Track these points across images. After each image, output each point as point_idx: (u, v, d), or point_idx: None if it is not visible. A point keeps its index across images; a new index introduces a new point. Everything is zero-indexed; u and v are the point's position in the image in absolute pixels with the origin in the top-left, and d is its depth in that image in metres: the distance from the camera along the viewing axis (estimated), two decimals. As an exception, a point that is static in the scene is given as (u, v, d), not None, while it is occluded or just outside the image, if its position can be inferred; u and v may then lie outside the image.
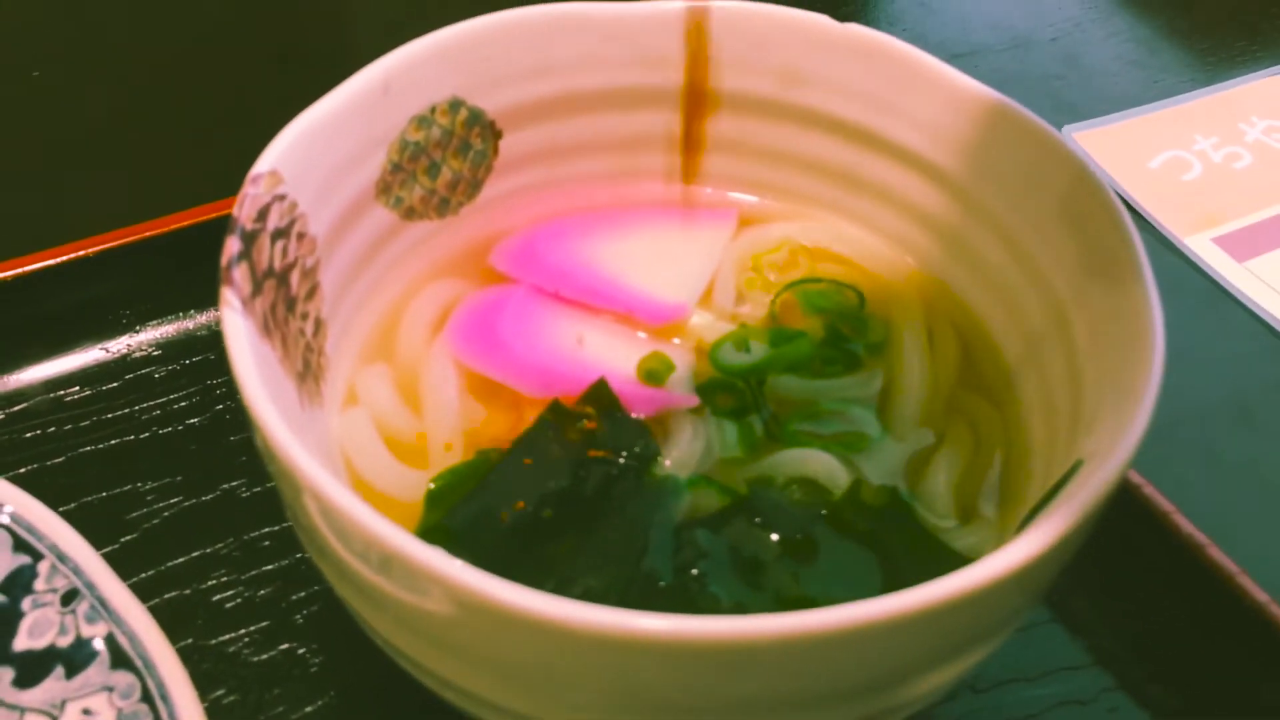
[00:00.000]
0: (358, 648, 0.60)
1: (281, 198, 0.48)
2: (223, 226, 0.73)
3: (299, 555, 0.62)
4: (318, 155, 0.50)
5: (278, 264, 0.48)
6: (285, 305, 0.48)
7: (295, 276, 0.49)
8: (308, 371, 0.49)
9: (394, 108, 0.54)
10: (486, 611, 0.36)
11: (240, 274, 0.44)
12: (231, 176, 0.78)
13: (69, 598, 0.52)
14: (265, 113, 0.87)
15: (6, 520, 0.54)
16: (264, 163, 0.48)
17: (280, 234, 0.48)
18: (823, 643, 0.37)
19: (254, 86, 0.87)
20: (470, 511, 0.47)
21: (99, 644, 0.51)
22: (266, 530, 0.63)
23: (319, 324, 0.51)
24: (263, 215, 0.47)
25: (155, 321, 0.72)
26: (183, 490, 0.64)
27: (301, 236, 0.50)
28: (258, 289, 0.45)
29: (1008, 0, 1.04)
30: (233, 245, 0.45)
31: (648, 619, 0.35)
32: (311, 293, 0.51)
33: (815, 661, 0.38)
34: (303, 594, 0.61)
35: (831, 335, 0.55)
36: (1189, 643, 0.58)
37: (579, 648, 0.37)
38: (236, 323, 0.43)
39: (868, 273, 0.59)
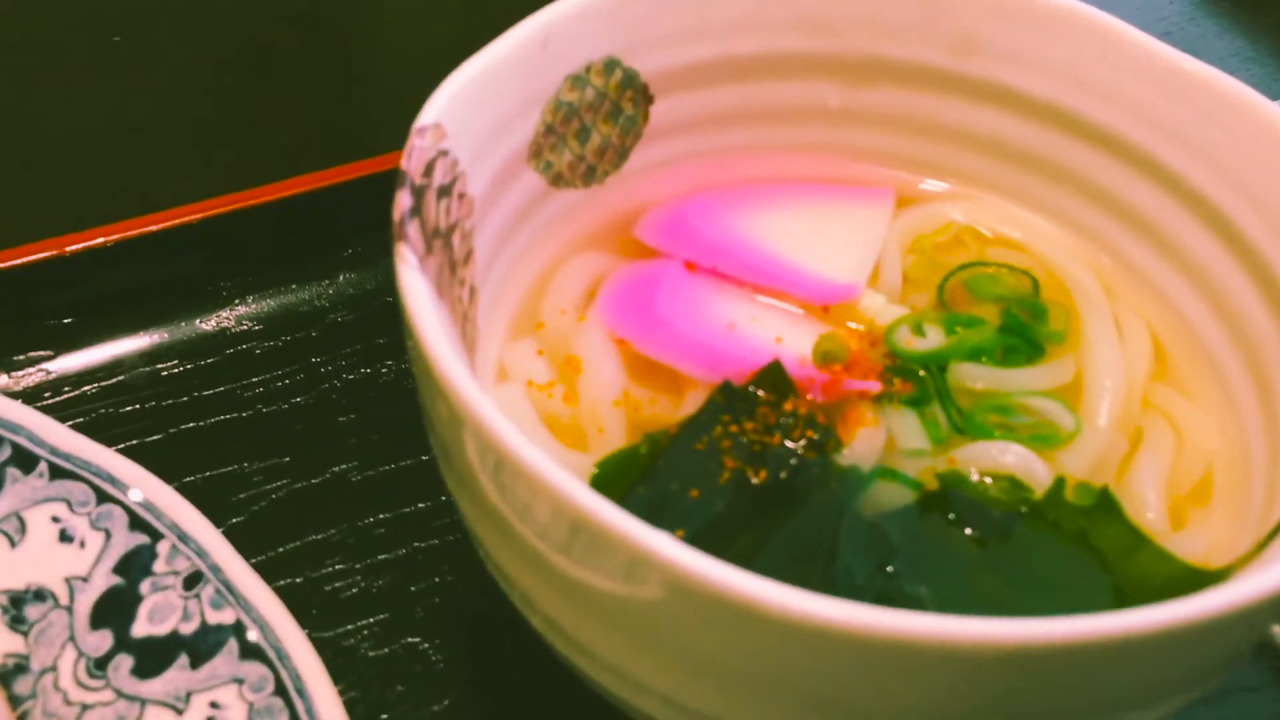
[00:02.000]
0: (485, 642, 0.56)
1: (445, 153, 0.45)
2: (323, 199, 0.72)
3: (417, 544, 0.58)
4: (478, 110, 0.47)
5: (443, 224, 0.44)
6: (449, 268, 0.44)
7: (456, 239, 0.45)
8: (464, 340, 0.46)
9: (551, 64, 0.50)
10: (709, 598, 0.32)
11: (414, 230, 0.41)
12: (331, 147, 0.76)
13: (192, 581, 0.49)
14: (361, 86, 0.84)
15: (125, 497, 0.50)
16: (429, 114, 0.44)
17: (444, 192, 0.44)
18: (1103, 652, 0.33)
19: (352, 58, 0.83)
20: (646, 499, 0.44)
21: (227, 632, 0.47)
22: (381, 517, 0.59)
23: (473, 291, 0.47)
24: (429, 170, 0.43)
25: (255, 295, 0.68)
26: (290, 472, 0.61)
27: (462, 197, 0.46)
28: (429, 248, 0.42)
29: (1117, -5, 1.01)
30: (404, 200, 0.41)
31: (914, 619, 0.31)
32: (468, 258, 0.47)
33: (1049, 677, 0.34)
34: (423, 585, 0.57)
35: (1010, 322, 0.52)
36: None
37: (800, 640, 0.33)
38: (415, 280, 0.39)
39: (1040, 258, 0.55)
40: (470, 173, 0.46)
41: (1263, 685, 0.54)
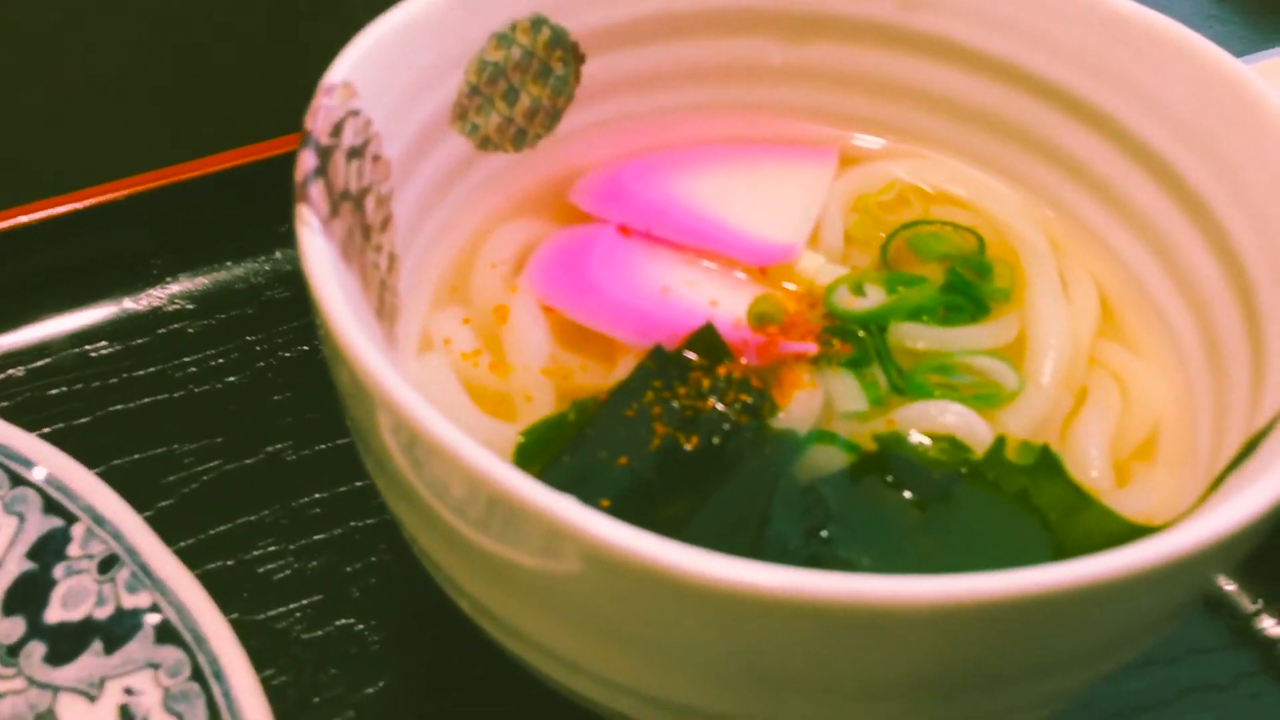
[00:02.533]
0: (422, 624, 0.54)
1: (356, 113, 0.43)
2: (258, 172, 0.70)
3: (353, 523, 0.56)
4: (393, 70, 0.45)
5: (353, 186, 0.42)
6: (362, 233, 0.42)
7: (370, 203, 0.44)
8: (383, 310, 0.44)
9: (473, 22, 0.48)
10: (630, 569, 0.31)
11: (317, 191, 0.39)
12: (269, 121, 0.74)
13: (107, 564, 0.47)
14: (299, 56, 0.82)
15: (38, 480, 0.48)
16: (337, 73, 0.42)
17: (355, 153, 0.43)
18: (999, 611, 0.31)
19: (289, 28, 0.81)
20: (571, 468, 0.42)
21: (142, 616, 0.45)
22: (316, 496, 0.57)
23: (392, 259, 0.46)
24: (337, 130, 0.42)
25: (188, 273, 0.66)
26: (223, 453, 0.59)
27: (377, 159, 0.44)
28: (335, 210, 0.40)
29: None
30: (308, 160, 0.40)
31: (835, 580, 0.30)
32: (385, 223, 0.45)
33: (982, 635, 0.33)
34: (359, 565, 0.55)
35: (953, 280, 0.50)
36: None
37: (724, 607, 0.32)
38: (317, 243, 0.37)
39: (986, 215, 0.53)
40: (386, 134, 0.45)
41: (1219, 646, 0.53)
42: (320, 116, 0.41)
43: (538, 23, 0.51)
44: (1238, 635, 0.53)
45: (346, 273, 0.39)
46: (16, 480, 0.48)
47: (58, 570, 0.47)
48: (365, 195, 0.43)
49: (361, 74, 0.43)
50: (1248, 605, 0.54)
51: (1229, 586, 0.54)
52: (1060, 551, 0.41)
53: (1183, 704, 0.52)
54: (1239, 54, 0.89)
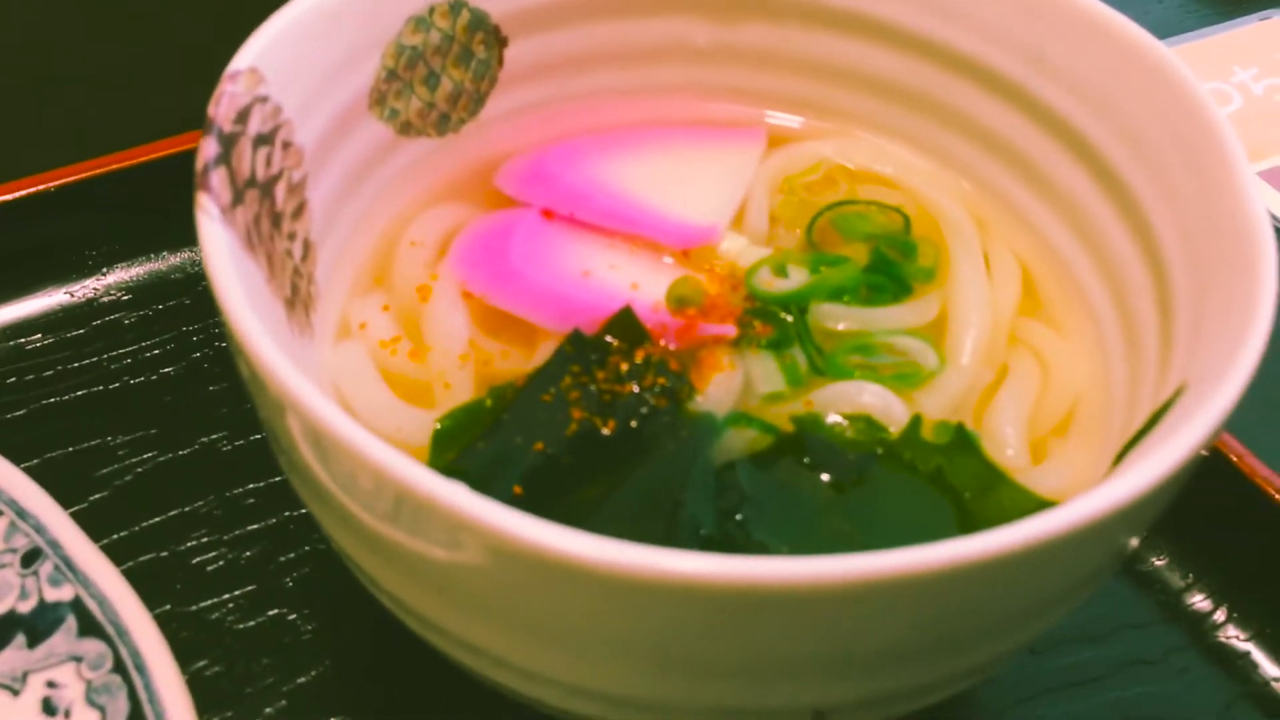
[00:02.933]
0: (354, 613, 0.54)
1: (264, 99, 0.42)
2: (195, 160, 0.70)
3: (287, 513, 0.56)
4: (303, 55, 0.45)
5: (260, 174, 0.42)
6: (270, 220, 0.42)
7: (281, 190, 0.43)
8: (296, 299, 0.44)
9: (388, 6, 0.48)
10: (531, 560, 0.31)
11: (218, 179, 0.39)
12: (202, 111, 0.73)
13: (30, 558, 0.47)
14: (238, 42, 0.82)
15: (-42, 473, 0.48)
16: (243, 59, 0.42)
17: (263, 140, 0.42)
18: (899, 587, 0.32)
19: (229, 16, 0.80)
20: (485, 454, 0.42)
21: (65, 610, 0.45)
22: (251, 487, 0.57)
23: (308, 246, 0.45)
24: (243, 117, 0.41)
25: (124, 264, 0.66)
26: (158, 444, 0.58)
27: (287, 146, 0.44)
28: (238, 198, 0.40)
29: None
30: (209, 148, 0.39)
31: (725, 562, 0.30)
32: (299, 211, 0.45)
33: (887, 611, 0.33)
34: (292, 555, 0.55)
35: (877, 260, 0.50)
36: (1271, 596, 0.53)
37: (628, 595, 0.32)
38: (216, 232, 0.37)
39: (913, 194, 0.53)
40: (298, 121, 0.44)
41: (1149, 621, 0.53)
42: (224, 103, 0.41)
43: (457, 6, 0.50)
44: (1168, 611, 0.54)
45: (249, 261, 0.39)
46: (-63, 476, 0.48)
47: (-21, 565, 0.46)
48: (275, 182, 0.43)
49: (269, 60, 0.43)
50: (1178, 581, 0.54)
51: (1160, 563, 0.55)
52: (972, 528, 0.41)
53: (1115, 678, 0.52)
54: (1191, 28, 0.89)
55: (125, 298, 0.64)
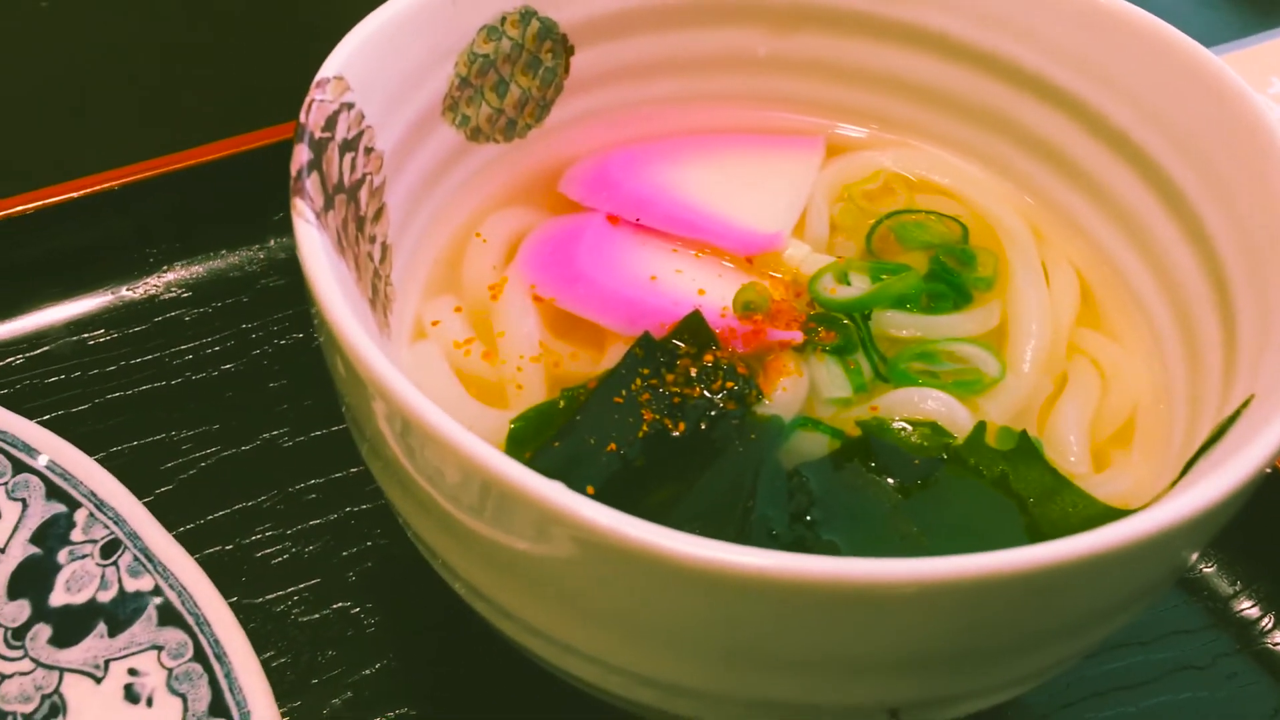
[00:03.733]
0: (418, 608, 0.55)
1: (349, 106, 0.44)
2: (254, 161, 0.71)
3: (349, 509, 0.58)
4: (385, 63, 0.46)
5: (347, 179, 0.43)
6: (355, 224, 0.43)
7: (364, 194, 0.44)
8: (376, 299, 0.45)
9: (463, 16, 0.49)
10: (620, 553, 0.32)
11: (312, 184, 0.40)
12: (264, 111, 0.74)
13: (110, 549, 0.48)
14: (292, 45, 0.83)
15: (41, 466, 0.49)
16: (330, 67, 0.43)
17: (349, 145, 0.43)
18: (986, 590, 0.33)
19: (284, 18, 0.82)
20: (560, 454, 0.43)
21: (145, 599, 0.46)
22: (313, 482, 0.58)
23: (385, 249, 0.47)
24: (331, 124, 0.42)
25: (184, 261, 0.67)
26: (220, 439, 0.60)
27: (369, 151, 0.45)
28: (329, 203, 0.41)
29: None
30: (302, 154, 0.40)
31: (808, 560, 0.31)
32: (379, 214, 0.46)
33: (971, 613, 0.34)
34: (354, 550, 0.56)
35: (937, 269, 0.51)
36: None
37: (712, 591, 0.33)
38: (312, 235, 0.38)
39: (971, 203, 0.54)
40: (378, 127, 0.45)
41: (1198, 627, 0.54)
42: (314, 111, 0.42)
43: (527, 15, 0.51)
44: (1216, 617, 0.54)
45: (341, 264, 0.40)
46: (19, 467, 0.49)
47: (61, 555, 0.48)
48: (359, 187, 0.44)
49: (354, 68, 0.44)
50: (1226, 588, 0.55)
51: (1208, 569, 0.55)
52: (1037, 534, 0.42)
53: (1163, 683, 0.53)
54: (1228, 39, 0.90)
55: (185, 294, 0.66)
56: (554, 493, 0.33)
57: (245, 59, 0.76)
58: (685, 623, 0.35)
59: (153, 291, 0.66)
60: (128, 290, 0.65)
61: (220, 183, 0.68)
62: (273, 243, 0.68)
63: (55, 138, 0.69)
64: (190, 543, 0.55)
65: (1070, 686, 0.52)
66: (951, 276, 0.51)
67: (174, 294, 0.66)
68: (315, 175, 0.40)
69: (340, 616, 0.54)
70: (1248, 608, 0.54)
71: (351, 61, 0.44)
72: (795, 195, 0.53)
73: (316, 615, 0.54)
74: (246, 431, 0.60)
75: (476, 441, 0.33)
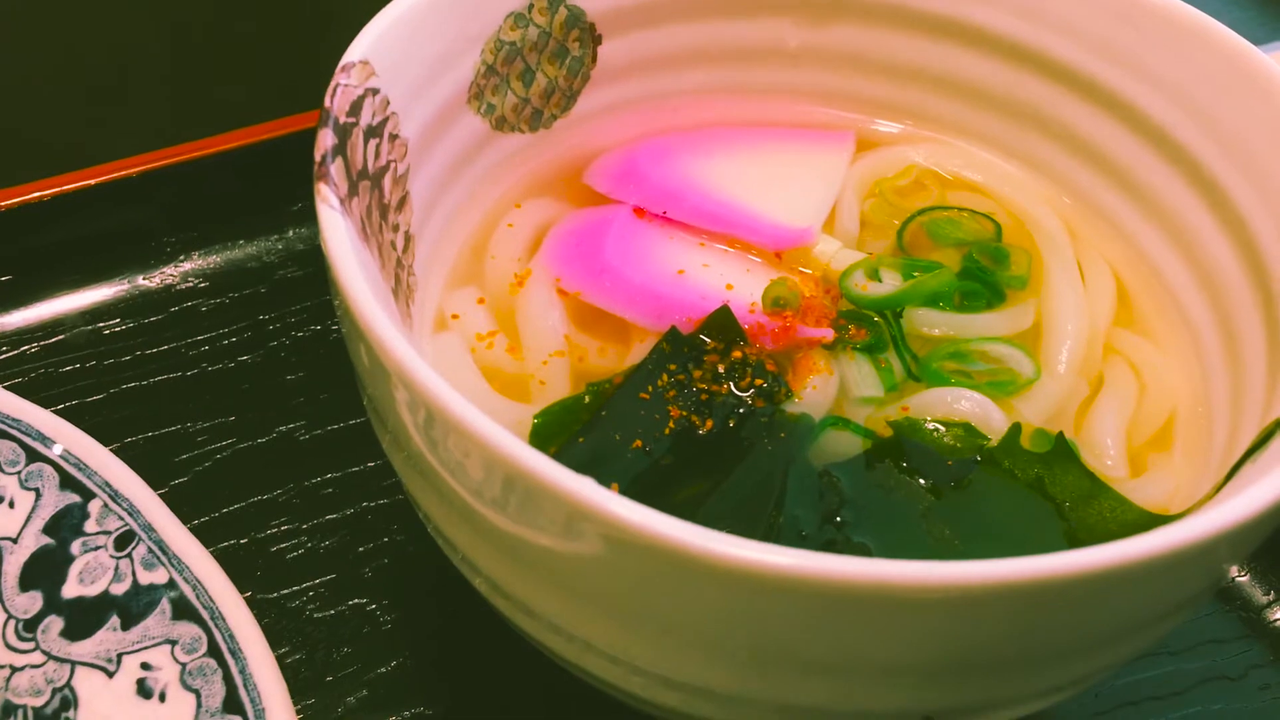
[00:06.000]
0: (434, 605, 0.54)
1: (374, 92, 0.43)
2: (273, 150, 0.70)
3: (366, 504, 0.57)
4: (410, 48, 0.45)
5: (371, 165, 0.42)
6: (379, 212, 0.42)
7: (388, 182, 0.43)
8: (399, 289, 0.44)
9: (490, 2, 0.48)
10: (652, 550, 0.31)
11: (337, 170, 0.39)
12: (279, 98, 0.74)
13: (124, 541, 0.47)
14: (309, 34, 0.82)
15: (55, 455, 0.48)
16: (355, 51, 0.42)
17: (373, 132, 0.42)
18: (1023, 596, 0.32)
19: (300, 11, 0.81)
20: (585, 450, 0.42)
21: (159, 592, 0.46)
22: (330, 476, 0.57)
23: (409, 239, 0.46)
24: (355, 109, 0.41)
25: (201, 251, 0.66)
26: (236, 432, 0.59)
27: (394, 138, 0.44)
28: (354, 189, 0.40)
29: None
30: (327, 139, 0.39)
31: (839, 561, 0.30)
32: (402, 203, 0.45)
33: (1007, 619, 0.33)
34: (371, 545, 0.55)
35: (970, 267, 0.50)
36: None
37: (741, 590, 0.32)
38: (336, 221, 0.37)
39: (1004, 200, 0.53)
40: (403, 113, 0.45)
41: (1232, 637, 0.53)
42: (339, 95, 0.41)
43: (555, 2, 0.50)
44: (1250, 627, 0.53)
45: (365, 251, 0.39)
46: (34, 456, 0.49)
47: (75, 546, 0.47)
48: (383, 174, 0.43)
49: (379, 53, 0.43)
50: (1260, 598, 0.54)
51: (1242, 579, 0.54)
52: (1074, 539, 0.41)
53: (1195, 693, 0.52)
54: (1257, 42, 0.88)
55: (203, 284, 0.65)
56: (583, 488, 0.32)
57: (266, 48, 0.75)
58: (713, 623, 0.34)
59: (169, 281, 0.65)
60: (144, 279, 0.65)
61: (239, 172, 0.67)
62: (291, 233, 0.67)
63: (71, 125, 0.69)
64: (205, 536, 0.54)
65: (1101, 696, 0.51)
66: (985, 275, 0.49)
67: (191, 284, 0.65)
68: (340, 161, 0.39)
69: (356, 613, 0.53)
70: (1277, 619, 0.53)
71: (377, 46, 0.43)
72: (826, 190, 0.52)
73: (332, 611, 0.53)
74: (263, 424, 0.59)
75: (503, 433, 0.33)
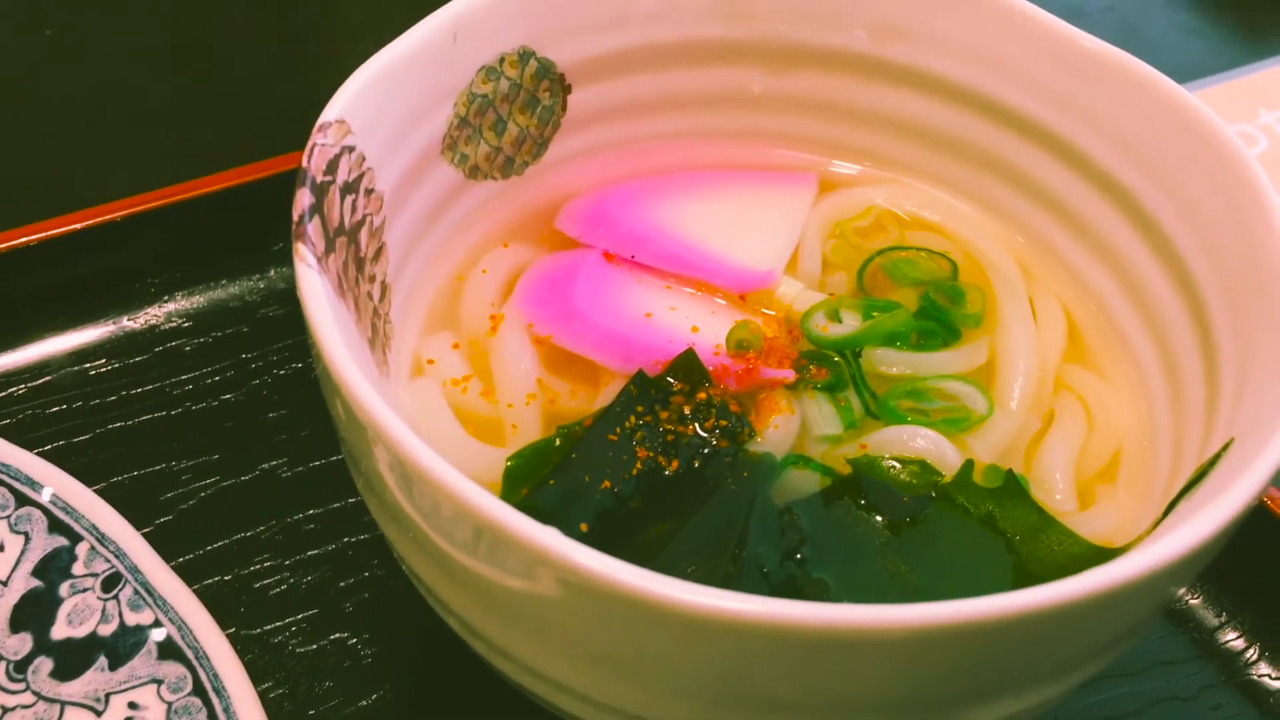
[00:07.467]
0: (415, 639, 0.56)
1: (350, 149, 0.44)
2: (254, 192, 0.72)
3: (347, 539, 0.58)
4: (385, 105, 0.47)
5: (347, 221, 0.44)
6: (355, 265, 0.44)
7: (364, 235, 0.45)
8: (376, 338, 0.46)
9: (462, 57, 0.50)
10: (606, 595, 0.33)
11: (314, 229, 0.41)
12: (259, 141, 0.75)
13: (111, 582, 0.49)
14: (290, 78, 0.83)
15: (44, 500, 0.50)
16: (332, 111, 0.44)
17: (349, 188, 0.44)
18: (962, 635, 0.33)
19: (282, 52, 0.83)
20: (555, 492, 0.44)
21: (145, 633, 0.47)
22: (311, 513, 0.59)
23: (384, 288, 0.47)
24: (332, 168, 0.43)
25: (184, 292, 0.68)
26: (220, 470, 0.60)
27: (370, 192, 0.46)
28: (330, 246, 0.42)
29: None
30: (304, 199, 0.41)
31: (797, 607, 0.32)
32: (378, 254, 0.47)
33: (959, 657, 0.35)
34: (352, 580, 0.57)
35: (927, 306, 0.52)
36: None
37: (696, 633, 0.34)
38: (313, 280, 0.39)
39: (960, 240, 0.55)
40: (379, 168, 0.46)
41: (1184, 659, 0.55)
42: (315, 155, 0.43)
43: (525, 55, 0.52)
44: (1202, 649, 0.55)
45: (341, 306, 0.40)
46: (22, 500, 0.50)
47: (63, 588, 0.48)
48: (359, 228, 0.45)
49: (355, 111, 0.45)
50: (1212, 620, 0.56)
51: (1194, 601, 0.56)
52: (1024, 572, 0.43)
53: (1149, 715, 0.53)
54: (1218, 70, 0.91)
55: (186, 324, 0.66)
56: (546, 538, 0.33)
57: (244, 92, 0.77)
58: (676, 665, 0.36)
59: (154, 321, 0.66)
60: (129, 320, 0.66)
61: (220, 214, 0.68)
62: (273, 273, 0.69)
63: (56, 170, 0.70)
64: (189, 573, 0.56)
65: (1058, 718, 0.53)
66: (941, 314, 0.51)
67: (175, 324, 0.67)
68: (317, 219, 0.41)
69: (337, 647, 0.54)
70: (1233, 639, 0.55)
71: (352, 104, 0.45)
72: (788, 232, 0.54)
73: (314, 646, 0.54)
74: (246, 462, 0.61)
75: (471, 486, 0.34)
